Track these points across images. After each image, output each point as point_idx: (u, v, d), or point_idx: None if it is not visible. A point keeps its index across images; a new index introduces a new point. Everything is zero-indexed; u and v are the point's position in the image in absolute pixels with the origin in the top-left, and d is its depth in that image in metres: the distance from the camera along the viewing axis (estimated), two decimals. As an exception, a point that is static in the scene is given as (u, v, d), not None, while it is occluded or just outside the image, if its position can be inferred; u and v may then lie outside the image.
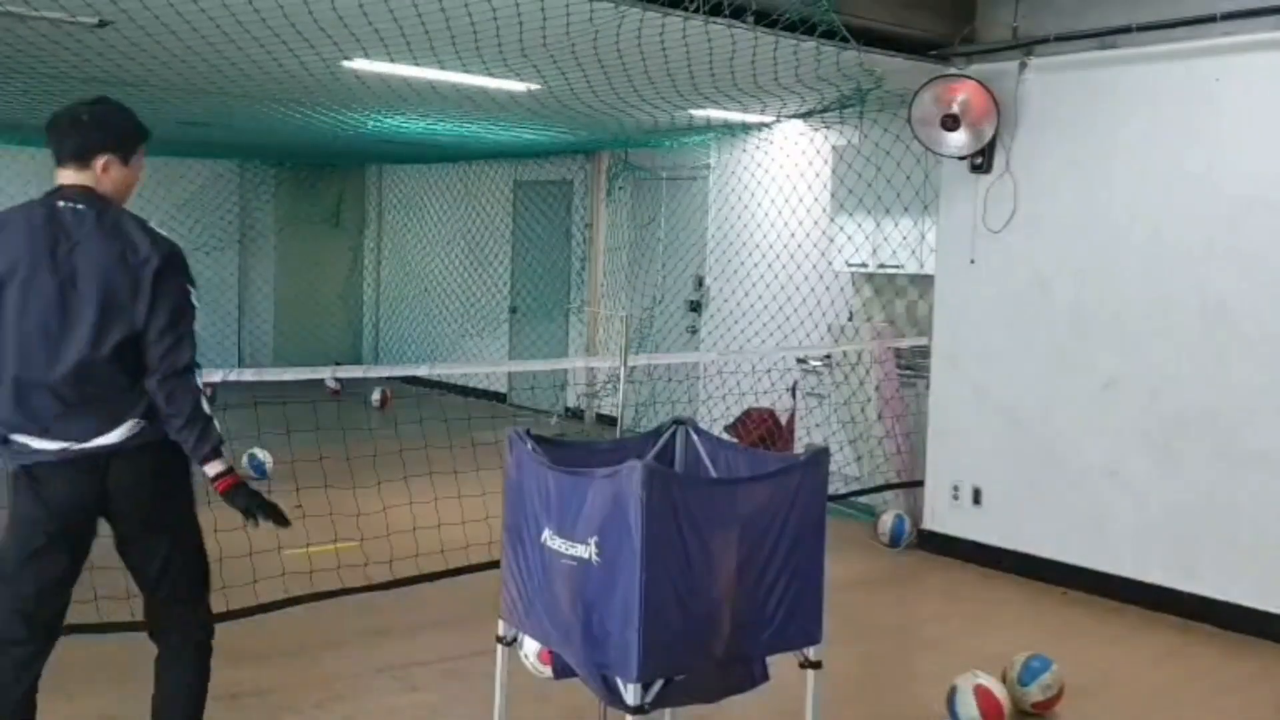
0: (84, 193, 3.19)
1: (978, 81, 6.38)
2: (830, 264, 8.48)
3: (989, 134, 6.40)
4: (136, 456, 3.21)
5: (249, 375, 5.65)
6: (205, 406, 3.18)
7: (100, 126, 3.24)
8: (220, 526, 5.34)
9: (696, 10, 5.34)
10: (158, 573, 3.35)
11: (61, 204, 3.17)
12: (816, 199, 8.76)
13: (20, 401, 3.13)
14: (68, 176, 3.21)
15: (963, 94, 6.36)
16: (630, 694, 2.84)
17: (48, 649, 3.30)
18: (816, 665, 3.23)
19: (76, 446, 3.15)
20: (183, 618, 3.40)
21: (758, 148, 9.34)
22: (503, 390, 12.37)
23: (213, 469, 3.20)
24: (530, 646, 3.96)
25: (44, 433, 3.15)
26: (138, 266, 3.10)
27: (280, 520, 3.33)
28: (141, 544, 3.32)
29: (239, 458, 7.40)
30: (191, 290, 3.20)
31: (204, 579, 3.46)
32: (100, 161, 3.21)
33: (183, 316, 3.15)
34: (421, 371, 6.68)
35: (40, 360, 3.11)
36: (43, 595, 3.24)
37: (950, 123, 6.38)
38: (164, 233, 3.23)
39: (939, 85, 6.45)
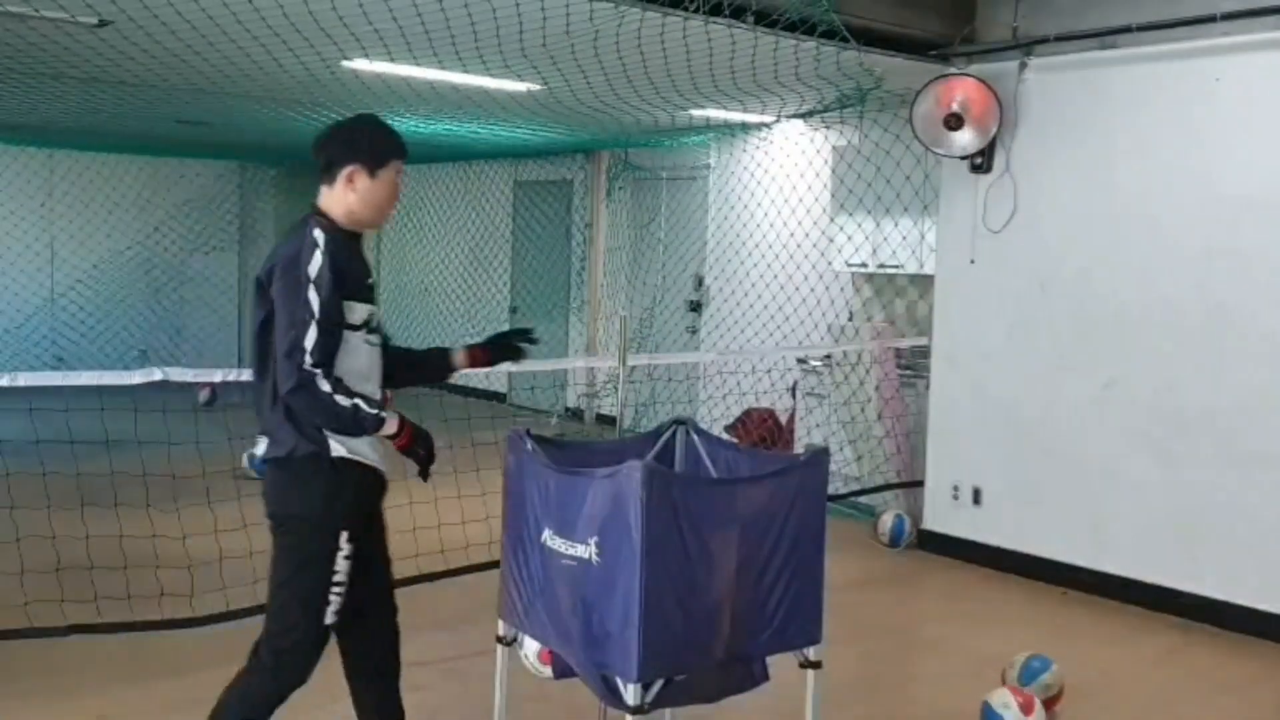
0: (310, 210, 3.25)
1: (977, 79, 6.38)
2: (830, 264, 8.48)
3: (993, 130, 6.39)
4: (271, 470, 3.27)
5: (249, 375, 5.64)
6: (338, 404, 3.09)
7: (345, 138, 3.29)
8: (220, 527, 5.38)
9: (696, 10, 5.34)
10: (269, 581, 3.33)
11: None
12: (816, 199, 8.76)
13: None
14: (319, 196, 3.28)
15: (961, 92, 6.36)
16: (630, 694, 2.84)
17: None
18: (816, 665, 3.23)
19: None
20: (263, 633, 3.32)
21: (758, 148, 9.34)
22: (503, 390, 12.37)
23: (386, 434, 3.21)
24: (530, 646, 3.96)
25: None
26: (263, 283, 3.17)
27: (425, 467, 3.33)
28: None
29: (239, 457, 7.40)
30: (298, 290, 3.08)
31: (287, 617, 3.26)
32: (345, 172, 3.23)
33: (287, 328, 3.07)
34: (421, 371, 6.66)
35: None
36: None
37: (954, 122, 6.37)
38: (316, 236, 3.14)
39: (939, 85, 6.45)
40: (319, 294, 3.06)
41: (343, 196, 3.23)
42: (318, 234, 3.14)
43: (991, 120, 6.36)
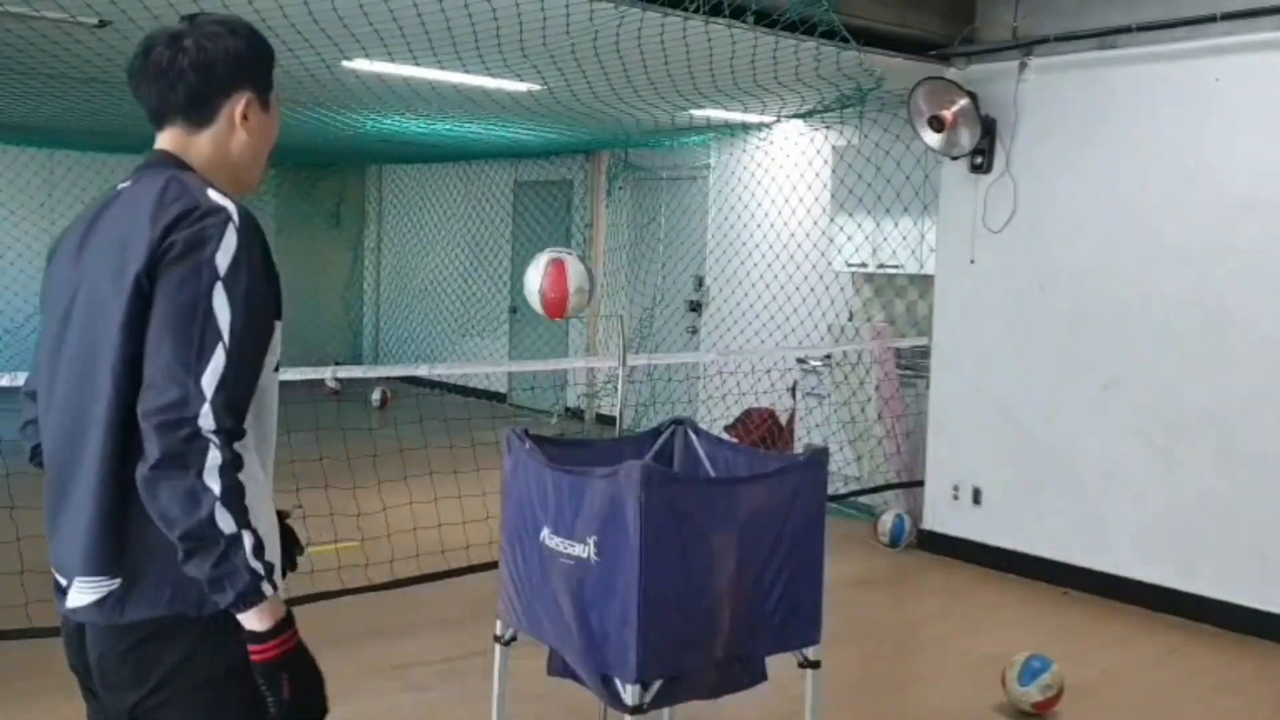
0: (161, 159, 2.03)
1: (969, 93, 6.39)
2: (830, 264, 8.48)
3: (965, 145, 6.47)
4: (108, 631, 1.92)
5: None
6: (218, 508, 1.78)
7: (226, 47, 2.04)
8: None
9: (696, 10, 5.34)
10: None
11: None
12: (816, 199, 8.76)
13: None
14: (168, 140, 2.06)
15: (964, 101, 6.39)
16: (629, 694, 2.84)
17: None
18: (815, 665, 3.23)
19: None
20: None
21: (758, 148, 9.34)
22: (503, 390, 12.37)
23: (248, 623, 1.84)
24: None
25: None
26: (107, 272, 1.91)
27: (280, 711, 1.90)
28: None
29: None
30: (199, 294, 1.84)
31: None
32: (237, 102, 2.06)
33: (174, 358, 1.82)
34: (421, 371, 6.67)
35: None
36: None
37: (935, 124, 6.44)
38: (222, 205, 1.91)
39: (936, 84, 6.46)
40: (237, 308, 1.85)
41: (225, 141, 2.04)
42: (223, 201, 1.91)
43: (967, 134, 6.44)
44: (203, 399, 1.79)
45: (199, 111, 2.01)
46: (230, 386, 1.82)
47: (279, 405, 2.09)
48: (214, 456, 1.78)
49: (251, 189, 2.12)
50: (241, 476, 1.81)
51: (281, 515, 2.14)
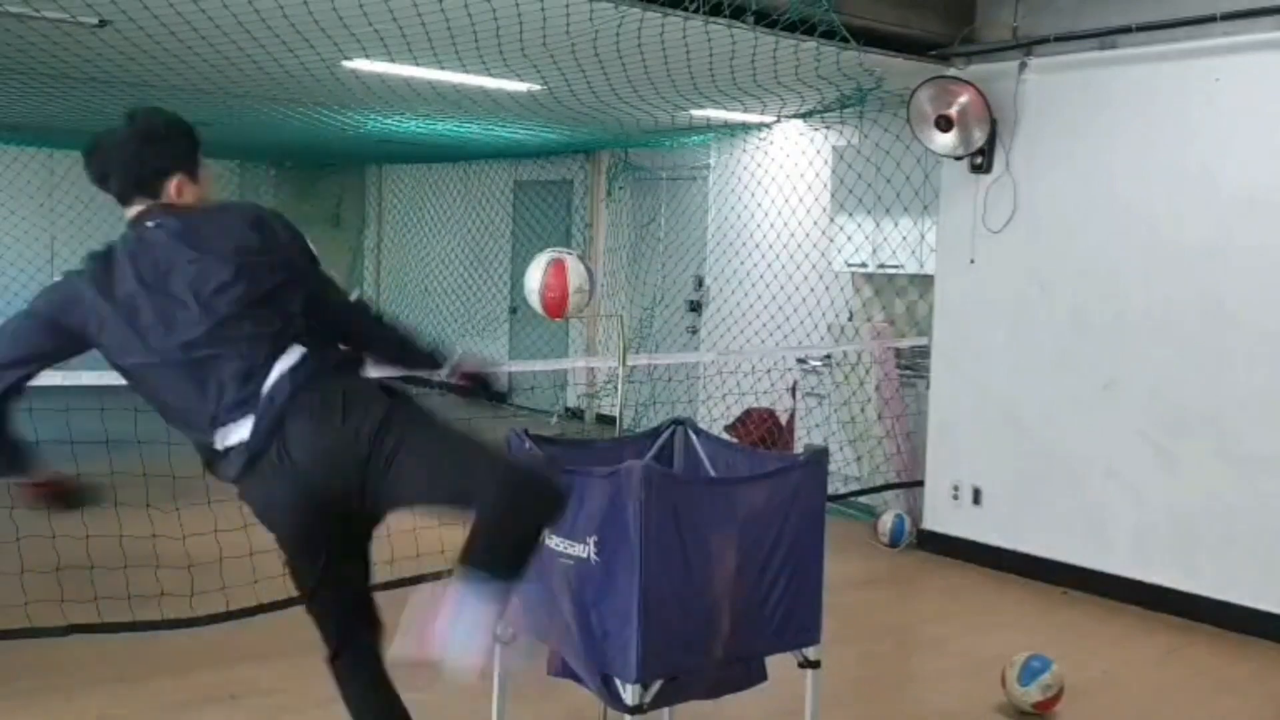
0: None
1: (974, 86, 6.39)
2: (830, 264, 8.48)
3: (978, 140, 6.43)
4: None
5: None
6: None
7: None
8: (220, 527, 5.38)
9: (696, 10, 5.35)
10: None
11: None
12: (816, 199, 8.76)
13: None
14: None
15: (965, 97, 6.38)
16: (629, 694, 2.84)
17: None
18: (815, 665, 3.23)
19: None
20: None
21: (758, 148, 9.34)
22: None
23: None
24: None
25: None
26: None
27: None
28: None
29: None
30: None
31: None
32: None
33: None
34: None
35: None
36: None
37: (943, 124, 6.41)
38: None
39: (939, 85, 6.46)
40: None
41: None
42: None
43: (979, 127, 6.39)
44: None
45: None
46: None
47: None
48: None
49: None
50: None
51: None
